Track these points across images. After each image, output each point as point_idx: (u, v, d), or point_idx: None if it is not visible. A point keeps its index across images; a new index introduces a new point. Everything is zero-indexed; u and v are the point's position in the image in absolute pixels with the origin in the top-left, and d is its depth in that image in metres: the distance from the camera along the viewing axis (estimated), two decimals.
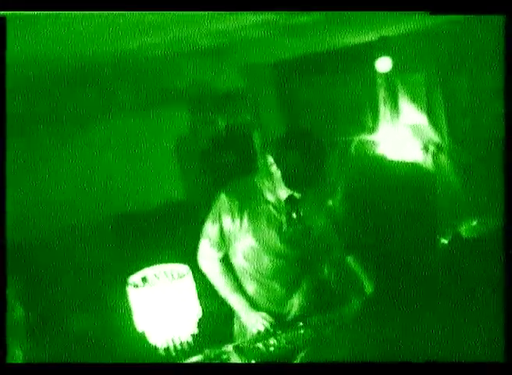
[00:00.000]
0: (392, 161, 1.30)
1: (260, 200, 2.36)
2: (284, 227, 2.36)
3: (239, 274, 2.47)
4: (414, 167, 1.24)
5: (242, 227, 2.36)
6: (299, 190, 2.28)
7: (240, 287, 2.46)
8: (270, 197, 2.34)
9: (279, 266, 2.41)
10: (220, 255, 2.44)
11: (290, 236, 2.37)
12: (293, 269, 2.43)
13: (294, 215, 2.36)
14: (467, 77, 3.22)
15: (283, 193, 2.32)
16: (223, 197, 2.38)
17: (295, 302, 2.45)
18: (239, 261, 2.44)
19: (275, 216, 2.35)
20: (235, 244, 2.41)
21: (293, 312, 2.44)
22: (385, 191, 1.10)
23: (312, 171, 2.19)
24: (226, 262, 2.47)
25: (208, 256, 2.46)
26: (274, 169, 2.26)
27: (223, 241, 2.41)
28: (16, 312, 1.46)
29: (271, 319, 2.38)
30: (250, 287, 2.47)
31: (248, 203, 2.36)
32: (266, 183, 2.34)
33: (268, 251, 2.38)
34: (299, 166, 2.17)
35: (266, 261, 2.40)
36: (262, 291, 2.46)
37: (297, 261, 2.41)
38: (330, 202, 1.11)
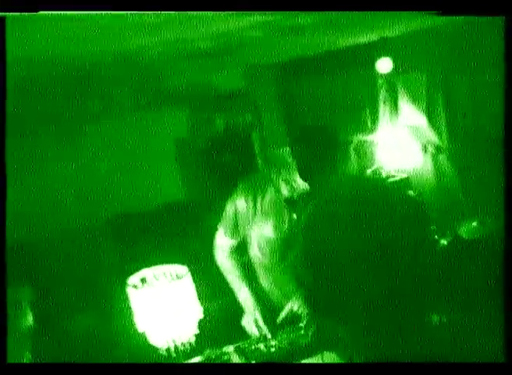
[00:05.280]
0: (385, 165, 1.31)
1: (273, 193, 2.37)
2: (294, 221, 2.36)
3: (255, 266, 2.49)
4: (405, 172, 1.25)
5: (256, 216, 2.38)
6: (311, 179, 2.27)
7: (251, 282, 2.48)
8: (284, 190, 2.34)
9: (289, 259, 2.42)
10: (234, 242, 2.47)
11: (300, 229, 2.37)
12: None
13: (303, 209, 2.36)
14: (468, 77, 3.22)
15: (299, 184, 2.32)
16: (239, 187, 2.43)
17: (295, 299, 2.44)
18: (254, 252, 2.45)
19: (286, 209, 2.36)
20: (251, 233, 2.42)
21: (294, 310, 2.43)
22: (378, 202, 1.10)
23: (325, 162, 2.19)
24: (241, 254, 2.50)
25: (222, 246, 2.48)
26: (290, 160, 2.26)
27: (237, 227, 2.43)
28: (19, 313, 1.46)
29: (262, 324, 2.38)
30: (264, 280, 2.48)
31: (262, 194, 2.39)
32: (280, 176, 2.34)
33: (278, 243, 2.39)
34: (313, 156, 2.18)
35: (277, 253, 2.41)
36: (274, 285, 2.48)
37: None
38: (333, 205, 1.11)
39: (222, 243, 2.50)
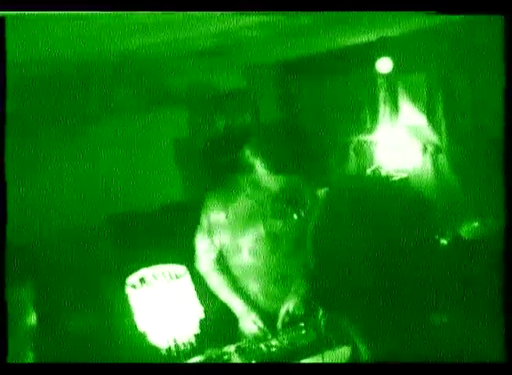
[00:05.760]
0: (385, 165, 1.31)
1: (243, 196, 2.37)
2: (269, 221, 2.37)
3: (240, 273, 2.47)
4: (405, 172, 1.25)
5: (229, 224, 2.37)
6: (287, 174, 2.28)
7: (238, 289, 2.46)
8: (253, 192, 2.35)
9: (270, 262, 2.41)
10: (216, 253, 2.45)
11: (277, 230, 2.38)
12: (285, 266, 2.43)
13: (281, 208, 2.37)
14: (467, 77, 3.22)
15: (270, 183, 2.33)
16: (208, 196, 2.42)
17: (284, 304, 2.43)
18: (244, 258, 2.43)
19: (259, 210, 2.36)
20: (239, 240, 2.41)
21: (290, 312, 2.42)
22: (381, 198, 1.10)
23: (298, 154, 2.21)
24: (223, 263, 2.49)
25: (206, 258, 2.46)
26: (252, 160, 2.27)
27: (217, 237, 2.42)
28: (22, 312, 1.47)
29: (261, 325, 2.38)
30: (254, 285, 2.47)
31: (231, 200, 2.38)
32: (248, 178, 2.35)
33: (256, 247, 2.39)
34: (283, 150, 2.19)
35: (256, 258, 2.41)
36: (260, 290, 2.47)
37: (287, 257, 2.42)
38: (330, 205, 1.12)
39: (205, 256, 2.47)
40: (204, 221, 2.44)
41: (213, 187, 2.47)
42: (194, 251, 2.51)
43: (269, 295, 2.47)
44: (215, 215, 2.39)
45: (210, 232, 2.42)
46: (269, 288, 2.46)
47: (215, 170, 4.67)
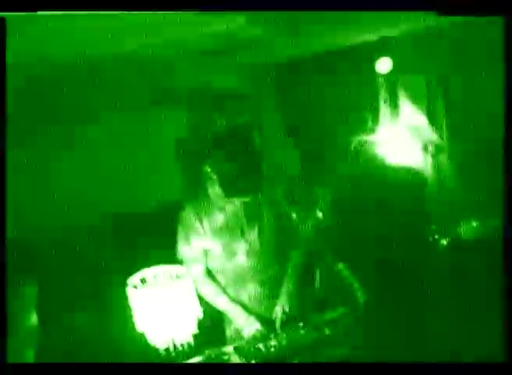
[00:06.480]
0: (385, 166, 1.31)
1: (215, 208, 2.39)
2: (246, 230, 2.39)
3: (231, 278, 2.48)
4: (405, 172, 1.25)
5: (209, 234, 2.39)
6: (237, 196, 2.31)
7: (230, 294, 2.47)
8: (224, 204, 2.38)
9: (258, 265, 2.43)
10: (205, 266, 2.46)
11: (254, 238, 2.40)
12: (272, 267, 2.45)
13: (253, 217, 2.40)
14: (467, 77, 3.22)
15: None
16: (184, 214, 2.47)
17: (278, 304, 2.43)
18: (240, 260, 2.43)
19: (234, 221, 2.38)
20: (233, 243, 2.42)
21: (279, 315, 2.41)
22: (379, 195, 1.10)
23: (248, 176, 2.21)
24: (212, 271, 2.50)
25: (193, 266, 2.46)
26: (212, 176, 2.30)
27: (197, 247, 2.44)
28: (23, 312, 1.47)
29: (259, 326, 2.38)
30: (243, 290, 2.48)
31: (207, 213, 2.40)
32: (217, 192, 2.36)
33: (241, 252, 2.41)
34: (234, 173, 2.20)
35: (244, 262, 2.42)
36: (253, 293, 2.48)
37: (268, 261, 2.43)
38: (318, 210, 1.12)
39: (194, 266, 2.47)
40: (185, 231, 2.45)
41: (189, 199, 2.51)
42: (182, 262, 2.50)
43: (263, 297, 2.47)
44: (195, 225, 2.41)
45: (192, 242, 2.44)
46: (262, 290, 2.47)
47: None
